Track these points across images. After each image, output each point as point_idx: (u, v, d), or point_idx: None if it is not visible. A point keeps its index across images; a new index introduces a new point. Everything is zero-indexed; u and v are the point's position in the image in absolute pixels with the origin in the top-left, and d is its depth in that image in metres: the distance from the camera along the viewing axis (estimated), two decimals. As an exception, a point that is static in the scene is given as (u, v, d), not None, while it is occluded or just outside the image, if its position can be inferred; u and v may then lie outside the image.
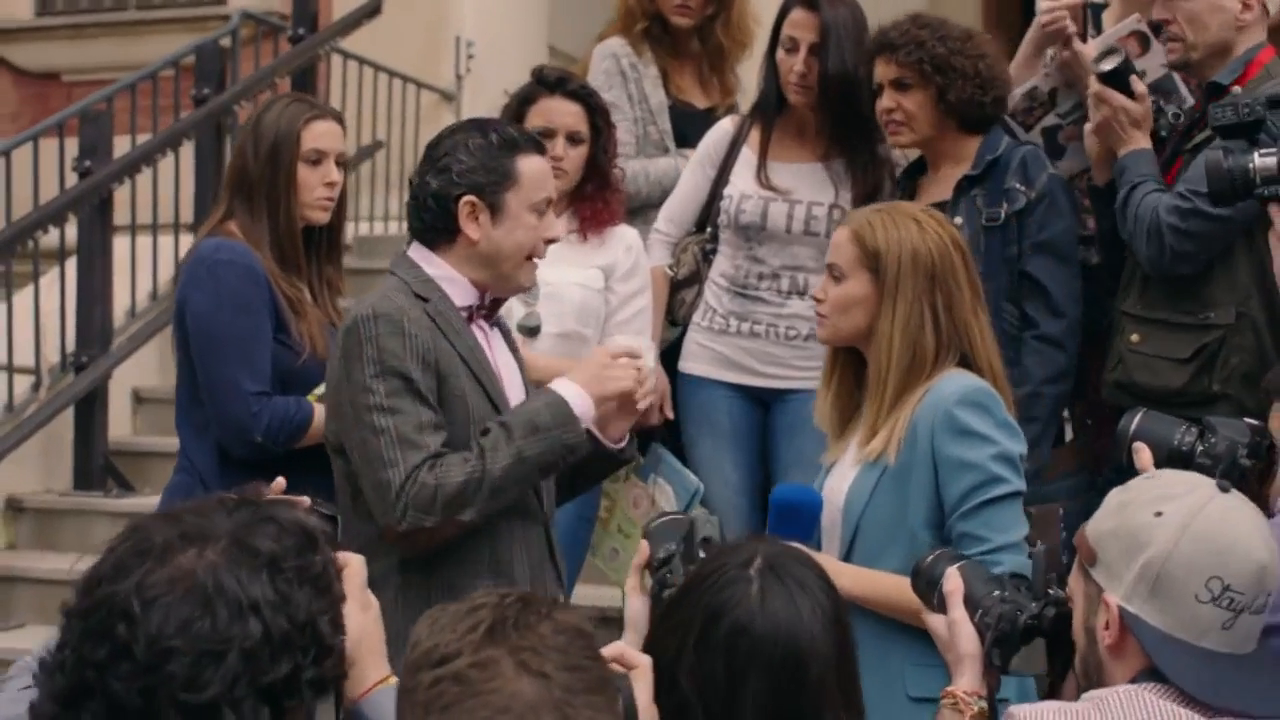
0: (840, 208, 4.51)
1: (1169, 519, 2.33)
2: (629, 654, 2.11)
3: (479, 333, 3.51)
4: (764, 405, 4.58)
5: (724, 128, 4.76)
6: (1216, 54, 4.10)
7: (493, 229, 3.44)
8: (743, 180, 4.64)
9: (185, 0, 9.82)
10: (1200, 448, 2.87)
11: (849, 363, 3.44)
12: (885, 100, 4.29)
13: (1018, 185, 4.22)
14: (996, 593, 2.53)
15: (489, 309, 3.54)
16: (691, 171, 4.77)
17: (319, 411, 3.84)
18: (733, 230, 4.62)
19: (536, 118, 4.36)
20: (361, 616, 2.09)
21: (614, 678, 1.81)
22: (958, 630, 2.54)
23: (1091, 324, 4.30)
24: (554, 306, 4.35)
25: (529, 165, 3.46)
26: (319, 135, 3.97)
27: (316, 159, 3.96)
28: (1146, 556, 2.32)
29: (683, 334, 4.70)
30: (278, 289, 3.89)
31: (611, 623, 5.11)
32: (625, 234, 4.52)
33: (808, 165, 4.62)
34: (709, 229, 4.69)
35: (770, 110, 4.64)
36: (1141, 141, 4.10)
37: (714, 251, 4.68)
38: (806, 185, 4.57)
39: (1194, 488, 2.39)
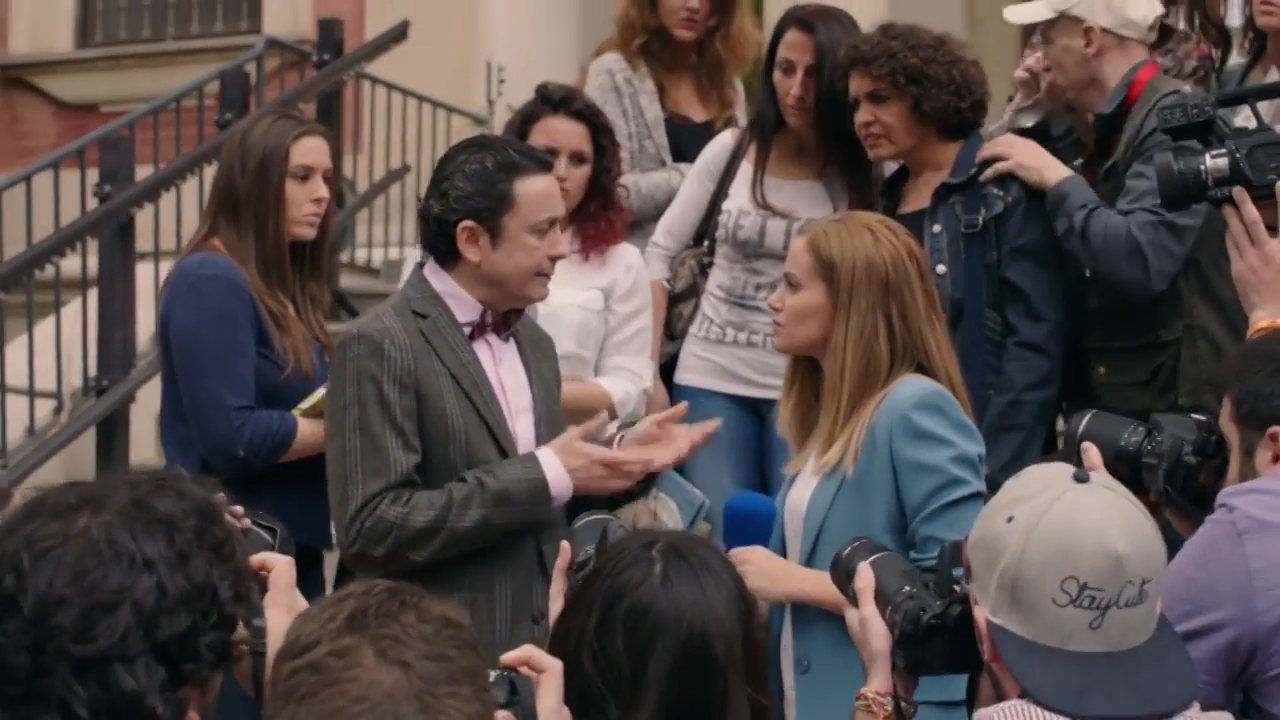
0: None
1: (1018, 523, 2.24)
2: (537, 657, 2.06)
3: (485, 348, 3.55)
4: (760, 416, 4.53)
5: (723, 141, 4.75)
6: (1088, 88, 4.24)
7: (492, 252, 3.49)
8: (741, 195, 4.62)
9: (223, 30, 9.90)
10: (1148, 446, 2.82)
11: (809, 373, 3.43)
12: (862, 114, 4.27)
13: (995, 191, 4.19)
14: (906, 589, 2.46)
15: (496, 324, 3.56)
16: (690, 185, 4.75)
17: (303, 426, 3.84)
18: (730, 245, 4.59)
19: (540, 136, 4.33)
20: (286, 618, 2.07)
21: (483, 669, 1.74)
22: (868, 627, 2.49)
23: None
24: (552, 328, 4.29)
25: (528, 187, 3.47)
26: (307, 151, 3.97)
27: (304, 175, 3.96)
28: (1001, 566, 2.23)
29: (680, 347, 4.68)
30: (261, 304, 3.89)
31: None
32: (626, 253, 4.49)
33: (805, 183, 4.61)
34: (706, 242, 4.67)
35: (768, 129, 4.61)
36: (1065, 169, 4.21)
37: (711, 264, 4.65)
38: (804, 203, 4.55)
39: (1047, 485, 2.28)
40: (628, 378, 4.38)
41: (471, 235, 3.48)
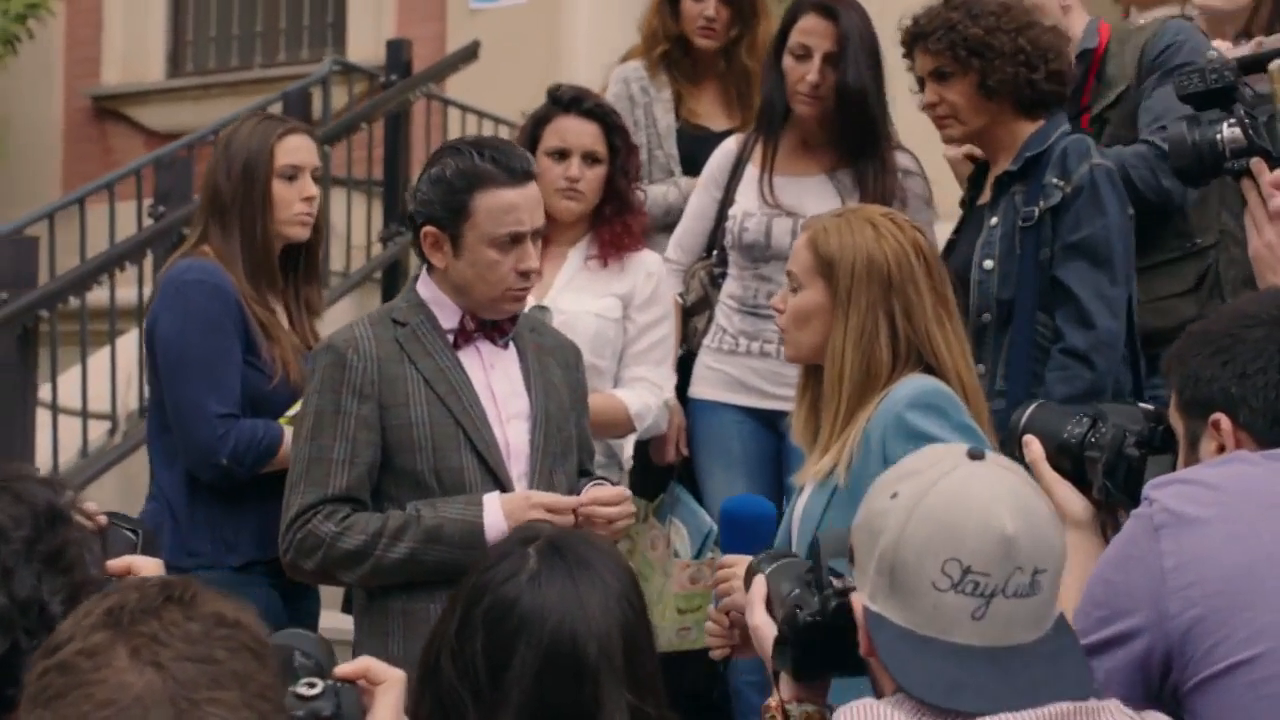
0: None
1: (901, 499, 2.05)
2: (375, 668, 1.92)
3: (474, 354, 3.45)
4: (776, 429, 4.32)
5: (727, 148, 4.57)
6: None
7: (455, 260, 3.40)
8: (746, 199, 4.44)
9: (308, 58, 9.90)
10: (1091, 439, 2.60)
11: (820, 379, 3.22)
12: (927, 94, 3.97)
13: (1055, 179, 3.84)
14: (794, 591, 2.27)
15: (489, 331, 3.45)
16: (697, 195, 4.60)
17: (289, 435, 3.73)
18: (738, 251, 4.42)
19: (552, 137, 4.24)
20: None
21: (262, 674, 1.55)
22: (759, 637, 2.34)
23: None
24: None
25: (488, 200, 3.35)
26: (292, 150, 3.88)
27: (292, 174, 3.88)
28: (881, 546, 2.04)
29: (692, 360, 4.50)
30: (250, 311, 3.80)
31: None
32: (646, 260, 4.35)
33: (813, 179, 4.42)
34: (714, 252, 4.49)
35: (775, 122, 4.42)
36: None
37: (723, 275, 4.48)
38: (812, 199, 4.33)
39: (938, 460, 2.10)
40: (647, 389, 4.24)
41: (435, 241, 3.39)
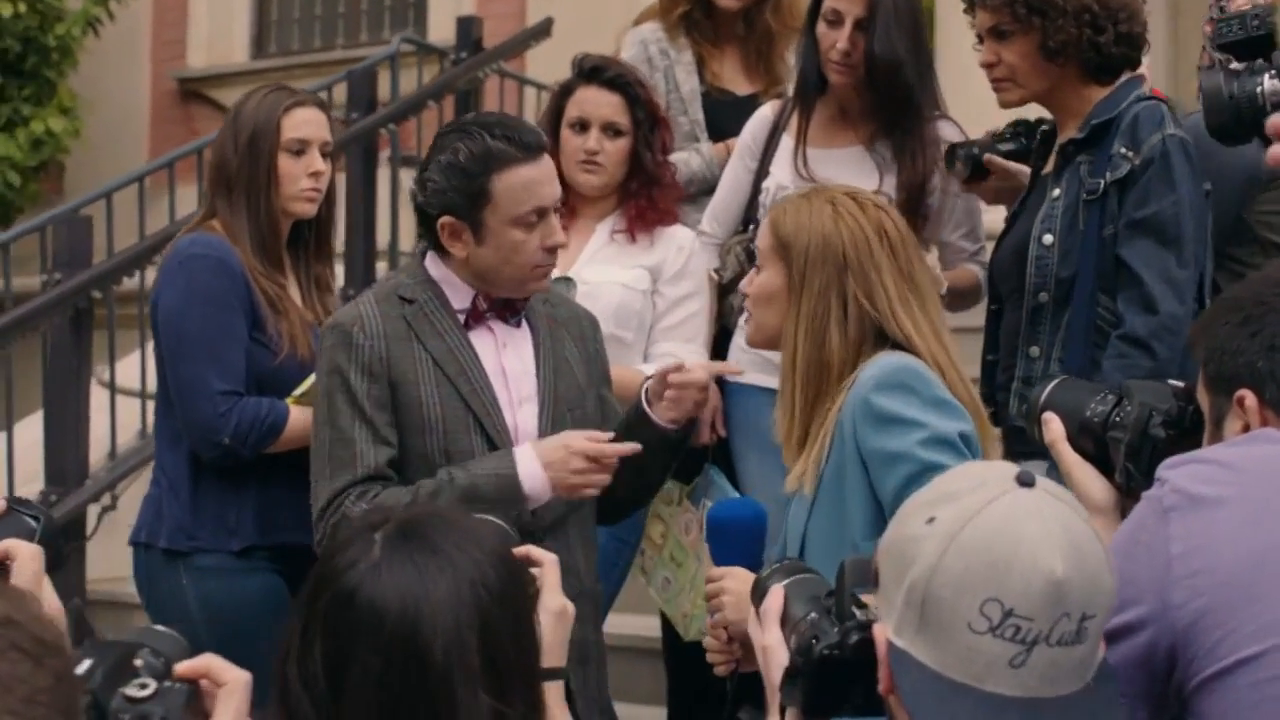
0: (885, 195, 4.02)
1: (939, 526, 1.81)
2: (216, 668, 1.73)
3: (487, 333, 3.32)
4: None
5: (764, 115, 4.37)
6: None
7: (478, 248, 3.26)
8: (781, 170, 4.24)
9: (390, 38, 9.83)
10: (1115, 418, 2.36)
11: None
12: (985, 53, 3.70)
13: (1123, 149, 3.55)
14: (810, 615, 2.03)
15: (501, 310, 3.33)
16: (732, 166, 4.40)
17: (295, 415, 3.64)
18: None
19: (573, 109, 4.14)
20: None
21: (34, 676, 1.39)
22: (769, 658, 2.07)
23: None
24: (590, 307, 4.04)
25: (507, 180, 3.22)
26: (300, 124, 3.77)
27: (299, 149, 3.77)
28: (912, 575, 1.81)
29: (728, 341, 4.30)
30: (256, 286, 3.70)
31: (651, 654, 4.76)
32: (678, 234, 4.21)
33: (850, 150, 4.21)
34: (750, 226, 4.28)
35: (811, 92, 4.22)
36: None
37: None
38: (849, 173, 4.09)
39: (982, 483, 1.85)
40: None
41: (454, 231, 3.26)
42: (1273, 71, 2.56)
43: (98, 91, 9.92)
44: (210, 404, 3.61)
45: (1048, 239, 3.63)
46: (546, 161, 3.29)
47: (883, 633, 1.85)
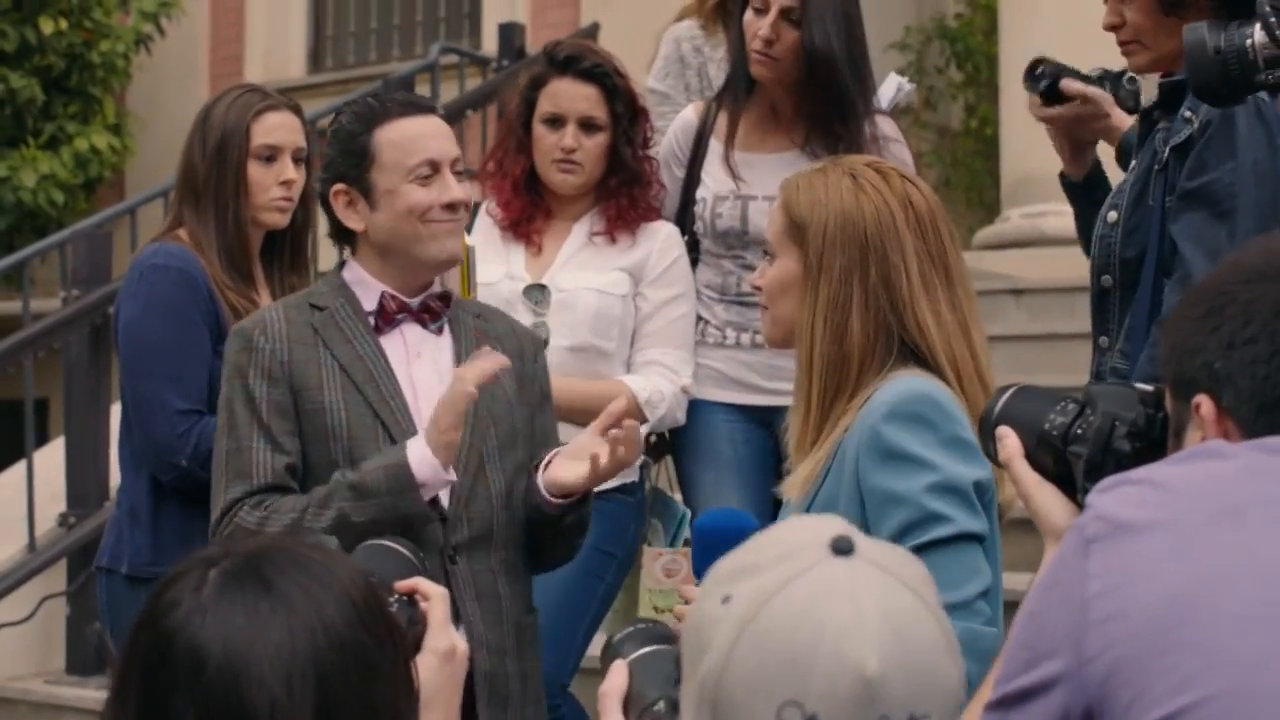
0: None
1: (734, 607, 1.50)
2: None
3: (398, 340, 3.07)
4: (768, 427, 3.75)
5: (686, 118, 4.01)
6: None
7: (371, 214, 3.04)
8: (715, 179, 3.91)
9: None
10: (1077, 430, 2.00)
11: None
12: (1108, 13, 3.22)
13: (1188, 111, 3.09)
14: (659, 705, 1.76)
15: (418, 314, 3.09)
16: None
17: (260, 434, 3.44)
18: (712, 238, 3.90)
19: (545, 102, 3.82)
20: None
21: None
22: None
23: None
24: (565, 316, 3.79)
25: (390, 133, 3.01)
26: (271, 129, 3.57)
27: (270, 155, 3.56)
28: (703, 669, 1.51)
29: None
30: (222, 299, 3.49)
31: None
32: (661, 230, 3.88)
33: (785, 155, 3.84)
34: (686, 236, 3.94)
35: (739, 90, 3.88)
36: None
37: (698, 261, 3.94)
38: (782, 179, 3.81)
39: (786, 553, 1.52)
40: (660, 373, 3.80)
41: (348, 200, 3.04)
42: (1265, 18, 2.27)
43: (155, 108, 9.86)
44: (169, 424, 3.42)
45: (1111, 215, 3.23)
46: (436, 120, 3.08)
47: None
